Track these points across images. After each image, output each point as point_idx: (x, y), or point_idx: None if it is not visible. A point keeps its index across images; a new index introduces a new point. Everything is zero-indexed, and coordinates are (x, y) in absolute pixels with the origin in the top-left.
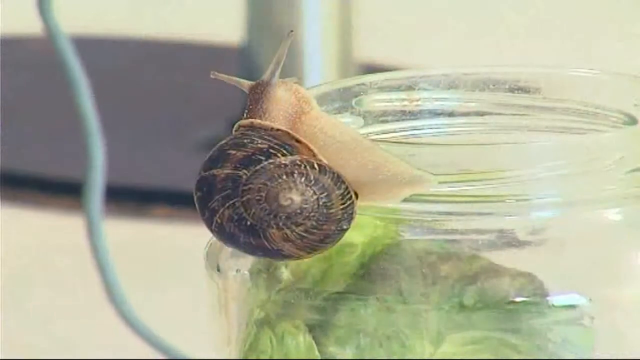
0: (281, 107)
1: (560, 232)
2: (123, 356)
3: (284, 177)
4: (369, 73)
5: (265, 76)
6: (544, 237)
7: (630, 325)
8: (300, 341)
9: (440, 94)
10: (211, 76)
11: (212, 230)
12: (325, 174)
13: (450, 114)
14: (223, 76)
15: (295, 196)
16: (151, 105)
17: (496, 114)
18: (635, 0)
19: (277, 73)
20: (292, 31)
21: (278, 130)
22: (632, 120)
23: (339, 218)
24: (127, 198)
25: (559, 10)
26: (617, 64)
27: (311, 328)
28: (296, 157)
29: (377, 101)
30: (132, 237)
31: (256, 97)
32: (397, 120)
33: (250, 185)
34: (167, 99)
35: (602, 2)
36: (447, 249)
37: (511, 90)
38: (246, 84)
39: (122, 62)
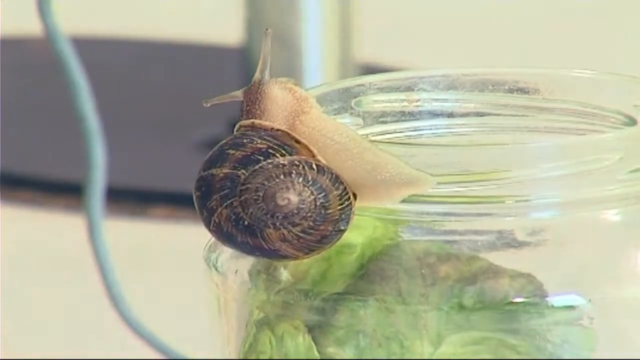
0: (279, 105)
1: (560, 232)
2: (123, 356)
3: (282, 177)
4: (369, 74)
5: (256, 76)
6: (543, 237)
7: (630, 325)
8: (300, 342)
9: (440, 94)
10: (204, 104)
11: (210, 230)
12: (324, 175)
13: (450, 115)
14: (215, 99)
15: (293, 196)
16: (151, 105)
17: (495, 114)
18: (636, 1)
19: (267, 71)
20: (267, 29)
21: (278, 130)
22: (631, 121)
23: (337, 219)
24: (127, 198)
25: (560, 10)
26: (618, 65)
27: (310, 329)
28: (295, 158)
29: (376, 102)
30: (132, 237)
31: (252, 98)
32: (397, 121)
33: (248, 185)
34: (167, 99)
35: (602, 3)
36: (447, 250)
37: (511, 91)
38: (239, 91)
39: (122, 62)
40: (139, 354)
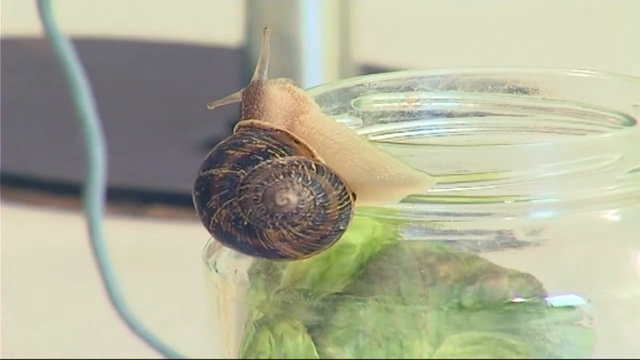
0: (278, 105)
1: (559, 232)
2: (123, 356)
3: (281, 177)
4: (369, 74)
5: (255, 76)
6: (543, 237)
7: (629, 325)
8: (299, 342)
9: (439, 94)
10: (208, 107)
11: (209, 230)
12: (323, 175)
13: (449, 115)
14: (218, 102)
15: (292, 196)
16: (151, 105)
17: (495, 114)
18: (636, 1)
19: (265, 71)
20: (266, 28)
21: (277, 130)
22: (631, 121)
23: (336, 219)
24: (127, 198)
25: (560, 10)
26: (618, 65)
27: (310, 329)
28: (294, 158)
29: (376, 102)
30: (131, 237)
31: (250, 98)
32: (396, 121)
33: (248, 185)
34: (167, 99)
35: (602, 3)
36: (446, 250)
37: (510, 91)
38: (238, 92)
39: (122, 63)
40: (139, 354)
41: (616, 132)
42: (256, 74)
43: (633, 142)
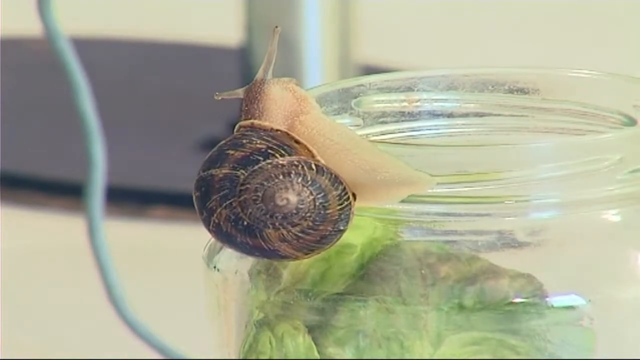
0: (279, 105)
1: (560, 233)
2: (123, 356)
3: (281, 177)
4: (369, 74)
5: (259, 75)
6: (543, 238)
7: (629, 326)
8: (300, 342)
9: (440, 95)
10: (215, 98)
11: (209, 230)
12: (323, 175)
13: (449, 115)
14: (224, 94)
15: (292, 196)
16: (151, 105)
17: (495, 115)
18: (636, 1)
19: (270, 71)
20: (277, 27)
21: (277, 130)
22: (631, 121)
23: (336, 219)
24: (127, 198)
25: (560, 10)
26: (618, 65)
27: (310, 329)
28: (294, 158)
29: (376, 102)
30: (132, 237)
31: (252, 97)
32: (396, 121)
33: (248, 185)
34: (167, 99)
35: (603, 5)
36: (447, 250)
37: (510, 91)
38: (241, 90)
39: (122, 63)
40: (139, 354)
41: (616, 133)
42: (260, 72)
43: (633, 143)
